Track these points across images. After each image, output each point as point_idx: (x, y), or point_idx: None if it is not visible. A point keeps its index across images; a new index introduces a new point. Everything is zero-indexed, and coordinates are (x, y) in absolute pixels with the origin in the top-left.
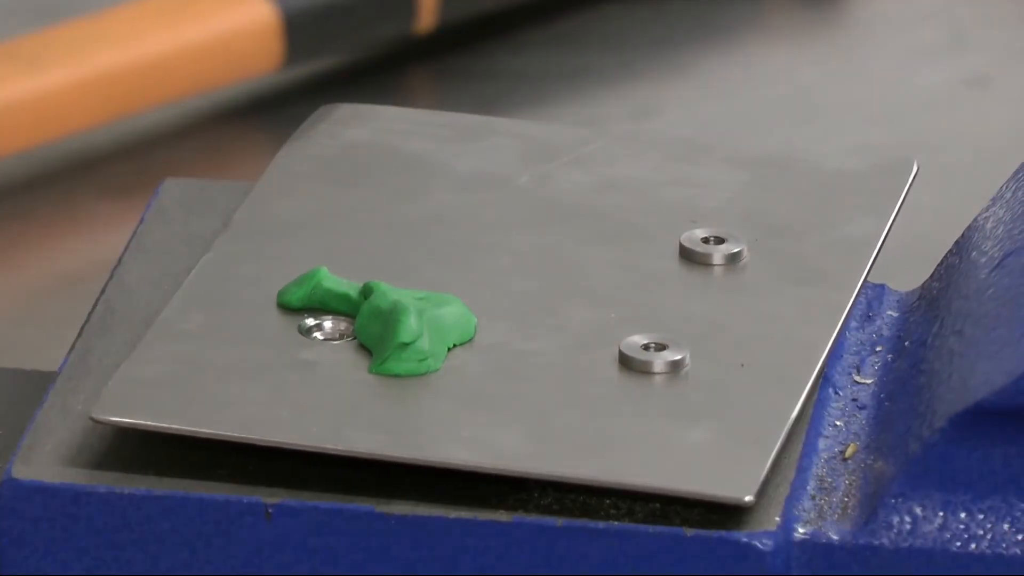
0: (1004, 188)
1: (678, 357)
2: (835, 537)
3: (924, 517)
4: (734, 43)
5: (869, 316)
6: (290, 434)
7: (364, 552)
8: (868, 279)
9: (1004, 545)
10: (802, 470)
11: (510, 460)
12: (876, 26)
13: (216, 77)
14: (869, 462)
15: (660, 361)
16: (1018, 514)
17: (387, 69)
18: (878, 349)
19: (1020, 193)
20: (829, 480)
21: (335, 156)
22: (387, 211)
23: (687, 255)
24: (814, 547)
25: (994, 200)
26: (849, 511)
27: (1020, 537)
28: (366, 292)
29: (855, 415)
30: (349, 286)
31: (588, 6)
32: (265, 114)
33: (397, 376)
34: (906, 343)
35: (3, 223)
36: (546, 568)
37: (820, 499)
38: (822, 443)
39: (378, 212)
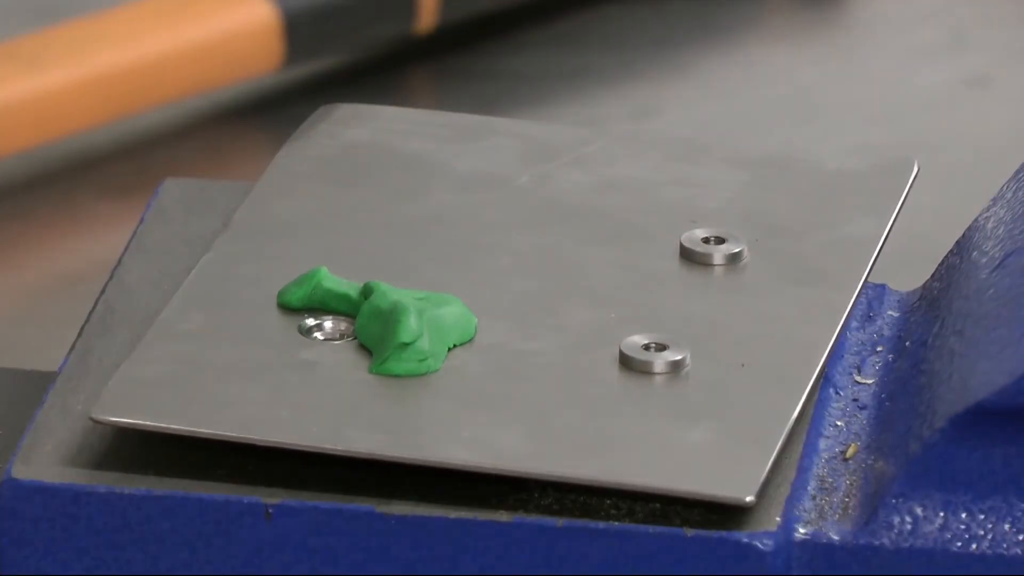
0: (1005, 188)
1: (678, 357)
2: (836, 537)
3: (925, 517)
4: (734, 43)
5: (870, 316)
6: (290, 434)
7: (364, 552)
8: (869, 279)
9: (1005, 545)
10: (803, 470)
11: (510, 460)
12: (876, 26)
13: (216, 77)
14: (870, 462)
15: (660, 361)
16: (1018, 514)
17: (387, 69)
18: (879, 349)
19: (1021, 193)
20: (830, 480)
21: (335, 156)
22: (387, 211)
23: (687, 255)
24: (815, 547)
25: (995, 200)
26: (850, 511)
27: (1021, 537)
28: (366, 292)
29: (856, 415)
30: (349, 286)
31: (588, 6)
32: (265, 114)
33: (397, 376)
34: (907, 343)
35: (3, 223)
36: (546, 568)
37: (821, 499)
38: (823, 443)
39: (378, 212)
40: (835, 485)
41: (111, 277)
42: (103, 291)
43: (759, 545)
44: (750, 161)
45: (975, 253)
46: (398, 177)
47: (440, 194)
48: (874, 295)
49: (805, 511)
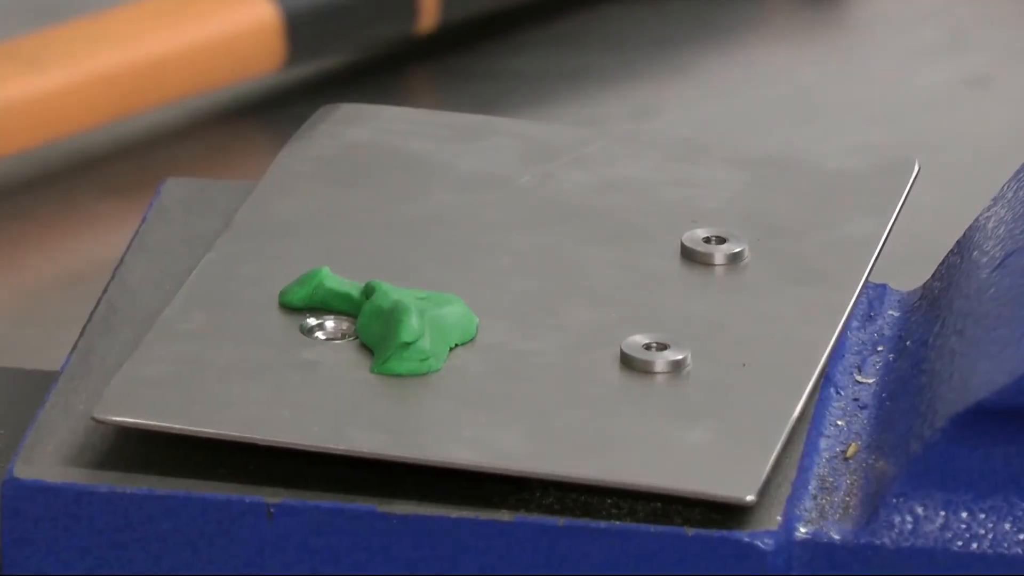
0: (1006, 188)
1: (679, 357)
2: (837, 537)
3: (925, 517)
4: (734, 43)
5: (870, 316)
6: (292, 434)
7: (366, 552)
8: (870, 279)
9: (1005, 545)
10: (803, 470)
11: (512, 460)
12: (876, 26)
13: (217, 77)
14: (870, 462)
15: (661, 361)
16: (1019, 513)
17: (388, 69)
18: (879, 349)
19: (1021, 193)
20: (831, 480)
21: (336, 156)
22: (388, 211)
23: (688, 255)
24: (815, 547)
25: (995, 200)
26: (851, 511)
27: (1021, 536)
28: (368, 292)
29: (856, 415)
30: (351, 286)
31: (588, 6)
32: (266, 114)
33: (399, 376)
34: (907, 343)
35: (4, 223)
36: (547, 568)
37: (822, 499)
38: (823, 443)
39: (379, 212)
40: (836, 484)
41: (113, 277)
42: (105, 291)
43: (760, 544)
44: (750, 161)
45: (976, 253)
46: (399, 177)
47: (441, 194)
48: (875, 295)
49: (806, 510)
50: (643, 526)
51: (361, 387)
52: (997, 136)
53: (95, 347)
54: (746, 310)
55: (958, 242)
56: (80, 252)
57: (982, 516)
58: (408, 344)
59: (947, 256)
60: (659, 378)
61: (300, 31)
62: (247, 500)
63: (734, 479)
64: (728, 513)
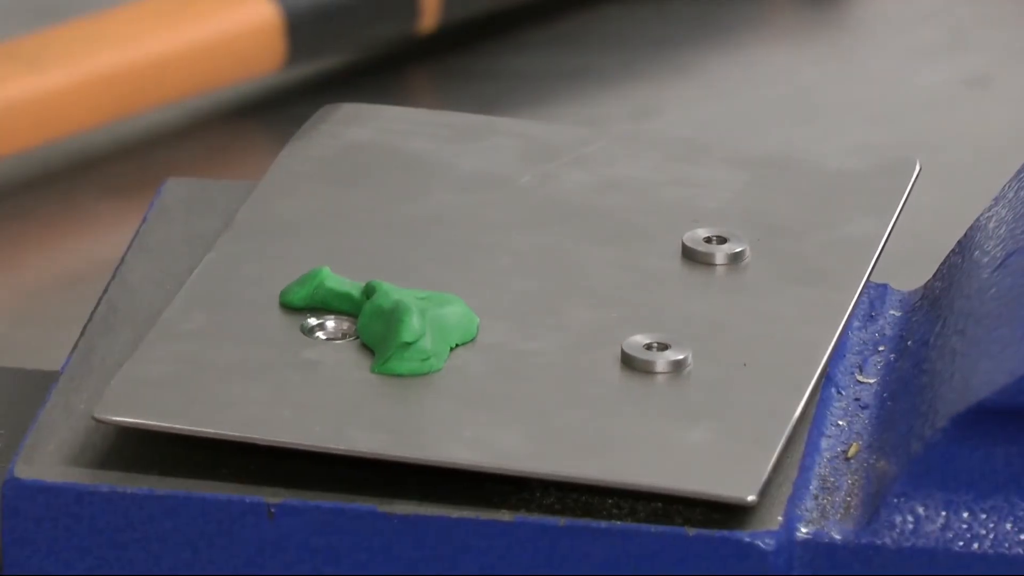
0: (1007, 188)
1: (680, 357)
2: (838, 537)
3: (926, 517)
4: (735, 43)
5: (871, 316)
6: (292, 434)
7: (366, 552)
8: (871, 279)
9: (1006, 545)
10: (805, 470)
11: (512, 460)
12: (876, 26)
13: (218, 77)
14: (871, 462)
15: (662, 361)
16: (1020, 513)
17: (389, 69)
18: (880, 349)
19: (1023, 192)
20: (832, 480)
21: (337, 156)
22: (389, 211)
23: (689, 255)
24: (817, 547)
25: (996, 200)
26: (852, 511)
27: (1022, 536)
28: (368, 292)
29: (858, 415)
30: (351, 286)
31: (589, 6)
32: (267, 114)
33: (399, 376)
34: (908, 343)
35: (4, 223)
36: (548, 568)
37: (823, 499)
38: (825, 443)
39: (380, 212)
40: (837, 484)
41: (113, 277)
42: (106, 290)
43: (761, 544)
44: (751, 161)
45: (977, 253)
46: (400, 177)
47: (442, 194)
48: (876, 295)
49: (807, 510)
50: (644, 526)
51: (362, 387)
52: (997, 136)
53: (96, 347)
54: (747, 310)
55: (959, 242)
56: (80, 252)
57: (983, 516)
58: (409, 344)
59: (948, 256)
60: (660, 378)
61: (301, 31)
62: (248, 500)
63: (735, 479)
64: (729, 513)
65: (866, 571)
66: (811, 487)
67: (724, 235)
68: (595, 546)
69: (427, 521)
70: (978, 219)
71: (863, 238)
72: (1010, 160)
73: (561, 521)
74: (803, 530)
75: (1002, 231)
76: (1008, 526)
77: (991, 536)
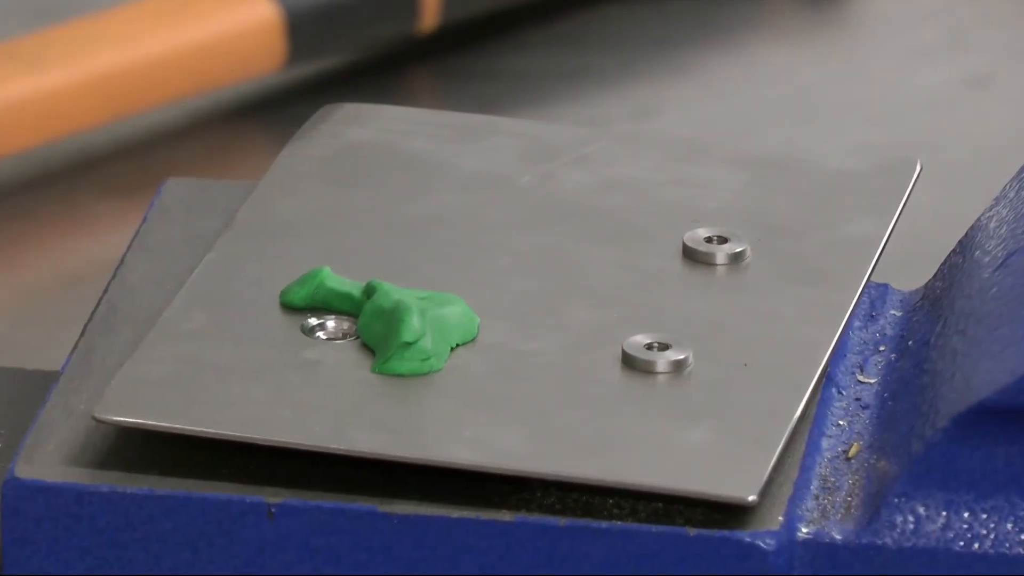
0: (1008, 187)
1: (681, 357)
2: (838, 537)
3: (927, 517)
4: (735, 43)
5: (872, 315)
6: (293, 434)
7: (367, 552)
8: (871, 279)
9: (1007, 545)
10: (805, 470)
11: (513, 460)
12: (876, 26)
13: (218, 77)
14: (872, 462)
15: (663, 361)
16: (1021, 513)
17: (389, 69)
18: (881, 348)
19: (1023, 192)
20: (832, 480)
21: (337, 156)
22: (389, 211)
23: (690, 255)
24: (817, 547)
25: (997, 199)
26: (852, 511)
27: (1023, 536)
28: (369, 291)
29: (858, 415)
30: (352, 285)
31: (589, 6)
32: (267, 114)
33: (400, 376)
34: (909, 342)
35: (4, 223)
36: (549, 568)
37: (823, 499)
38: (825, 443)
39: (380, 212)
40: (838, 484)
41: (114, 277)
42: (106, 290)
43: (762, 544)
44: (751, 161)
45: (978, 252)
46: (400, 177)
47: (442, 194)
48: (876, 294)
49: (808, 510)
50: (645, 526)
51: (362, 387)
52: (997, 136)
53: (96, 347)
54: (748, 310)
55: (960, 242)
56: (80, 252)
57: (984, 516)
58: (409, 344)
59: (949, 256)
60: (660, 378)
61: (301, 31)
62: (248, 500)
63: (736, 479)
64: (730, 513)
65: (867, 571)
66: (812, 487)
67: (725, 235)
68: (596, 546)
69: (427, 521)
70: (979, 219)
71: (864, 238)
72: (1011, 160)
73: (562, 521)
74: (804, 530)
75: (1003, 231)
76: (1009, 526)
77: (992, 536)
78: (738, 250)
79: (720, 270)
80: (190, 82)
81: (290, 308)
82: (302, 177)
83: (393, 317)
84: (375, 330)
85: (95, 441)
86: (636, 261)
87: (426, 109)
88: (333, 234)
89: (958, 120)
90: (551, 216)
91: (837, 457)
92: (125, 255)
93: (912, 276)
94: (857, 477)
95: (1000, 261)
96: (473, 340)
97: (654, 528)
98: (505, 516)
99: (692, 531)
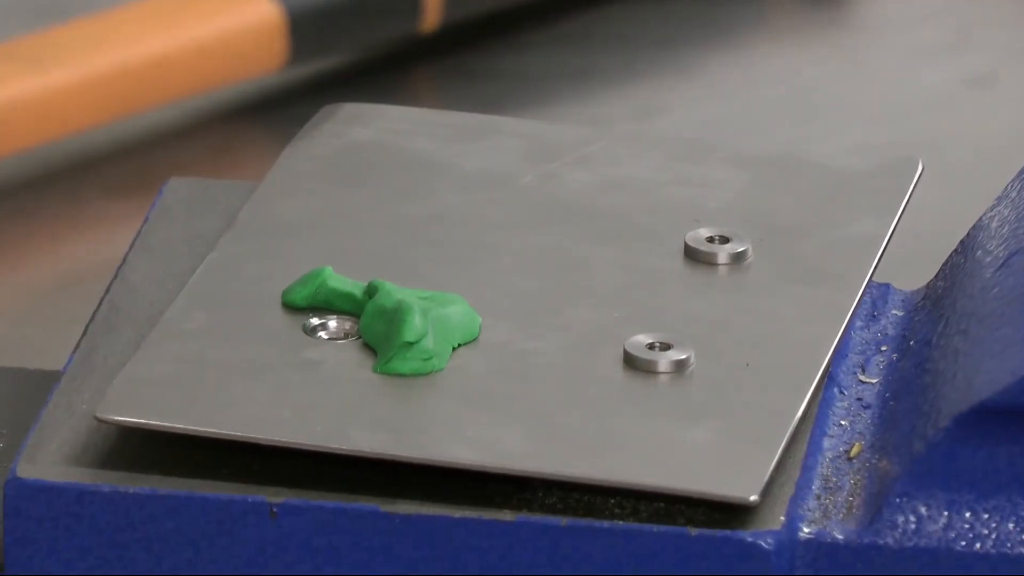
0: (1010, 187)
1: (683, 356)
2: (840, 537)
3: (929, 516)
4: (737, 43)
5: (874, 315)
6: (294, 433)
7: (368, 552)
8: (873, 278)
9: (1009, 544)
10: (807, 469)
11: (514, 460)
12: (879, 26)
13: (220, 76)
14: (874, 461)
15: (665, 360)
16: (1022, 513)
17: (391, 68)
18: (883, 348)
19: None
20: (834, 479)
21: (339, 155)
22: (391, 210)
23: (692, 254)
24: (819, 547)
25: (999, 199)
26: (854, 510)
27: None
28: (371, 291)
29: (860, 414)
30: (354, 285)
31: (592, 6)
32: (269, 113)
33: (401, 375)
34: (911, 342)
35: (6, 223)
36: (550, 568)
37: (825, 499)
38: (827, 442)
39: (382, 211)
40: (839, 484)
41: (116, 276)
42: (108, 290)
43: (763, 544)
44: (753, 161)
45: (979, 252)
46: (402, 176)
47: (444, 193)
48: (878, 294)
49: (809, 510)
50: (646, 526)
51: (364, 387)
52: (999, 136)
53: (98, 347)
54: (749, 310)
55: (962, 241)
56: (82, 252)
57: (985, 516)
58: (411, 344)
59: (951, 256)
60: (662, 378)
61: (302, 30)
62: (250, 500)
63: (737, 479)
64: (731, 513)
65: (868, 571)
66: (813, 487)
67: (726, 235)
68: (597, 546)
69: (429, 521)
70: (981, 219)
71: (865, 238)
72: (1012, 160)
73: (563, 521)
74: (805, 530)
75: (1005, 231)
76: (1010, 526)
77: (993, 536)
78: (740, 250)
79: (722, 270)
80: (191, 82)
81: (292, 308)
82: (304, 177)
83: (395, 317)
84: (377, 330)
85: (97, 441)
86: (638, 261)
87: (428, 109)
88: (335, 234)
89: (960, 120)
90: (553, 216)
91: (839, 457)
92: (127, 255)
93: (914, 276)
94: (859, 477)
95: (1002, 261)
96: (475, 340)
97: (656, 528)
98: (507, 516)
99: (694, 531)
